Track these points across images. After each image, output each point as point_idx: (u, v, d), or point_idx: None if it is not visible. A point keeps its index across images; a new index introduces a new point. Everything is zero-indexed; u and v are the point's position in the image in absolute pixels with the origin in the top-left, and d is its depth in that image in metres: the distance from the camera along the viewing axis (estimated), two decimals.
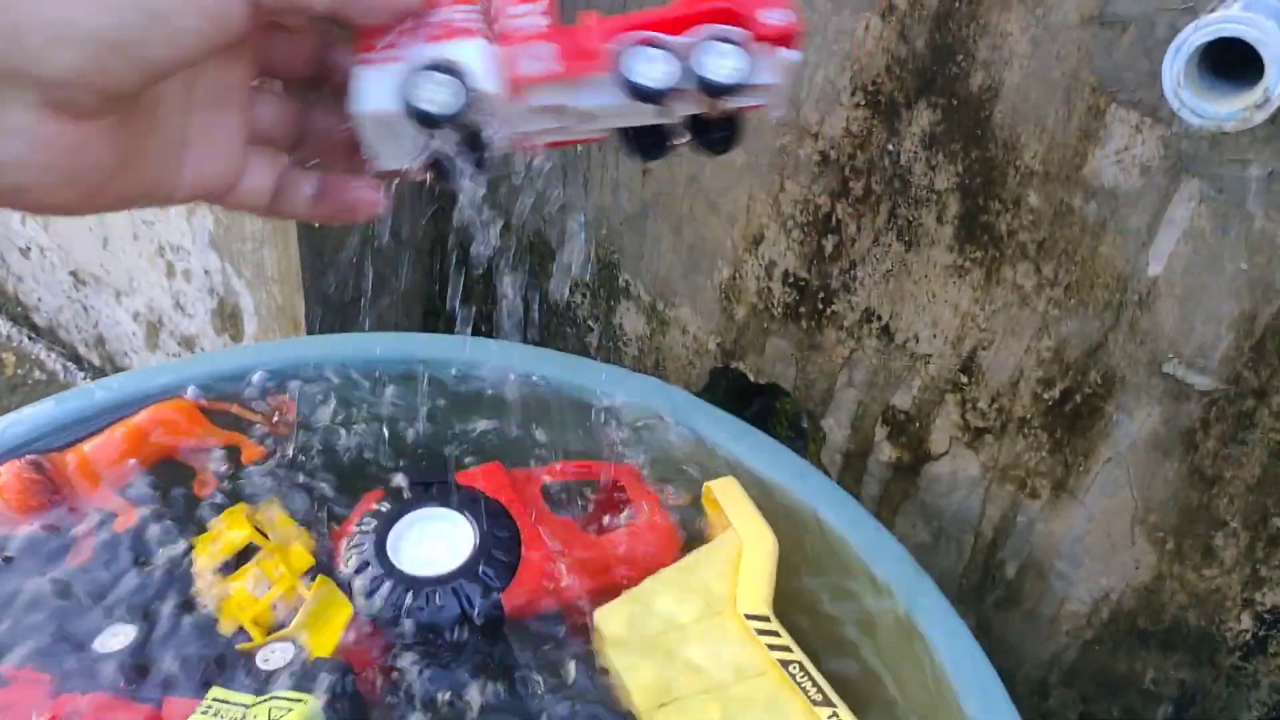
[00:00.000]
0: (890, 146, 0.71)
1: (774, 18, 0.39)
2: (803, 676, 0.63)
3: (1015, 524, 0.79)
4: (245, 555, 0.67)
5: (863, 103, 0.70)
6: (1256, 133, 0.57)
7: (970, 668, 0.63)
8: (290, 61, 0.41)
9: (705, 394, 0.93)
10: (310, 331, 0.95)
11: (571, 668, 0.66)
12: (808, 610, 0.71)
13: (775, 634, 0.64)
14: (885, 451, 0.83)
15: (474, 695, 0.64)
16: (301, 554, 0.67)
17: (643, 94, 0.39)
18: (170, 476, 0.72)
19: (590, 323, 0.97)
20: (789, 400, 0.92)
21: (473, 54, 0.38)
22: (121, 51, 0.32)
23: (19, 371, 1.29)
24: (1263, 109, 0.52)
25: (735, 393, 0.93)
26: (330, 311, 0.96)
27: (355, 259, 0.95)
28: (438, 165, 0.40)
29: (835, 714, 0.61)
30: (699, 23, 0.39)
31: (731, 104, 0.40)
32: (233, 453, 0.73)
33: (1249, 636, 0.72)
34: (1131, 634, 0.77)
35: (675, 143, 0.42)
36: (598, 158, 0.87)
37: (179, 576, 0.68)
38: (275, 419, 0.74)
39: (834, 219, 0.76)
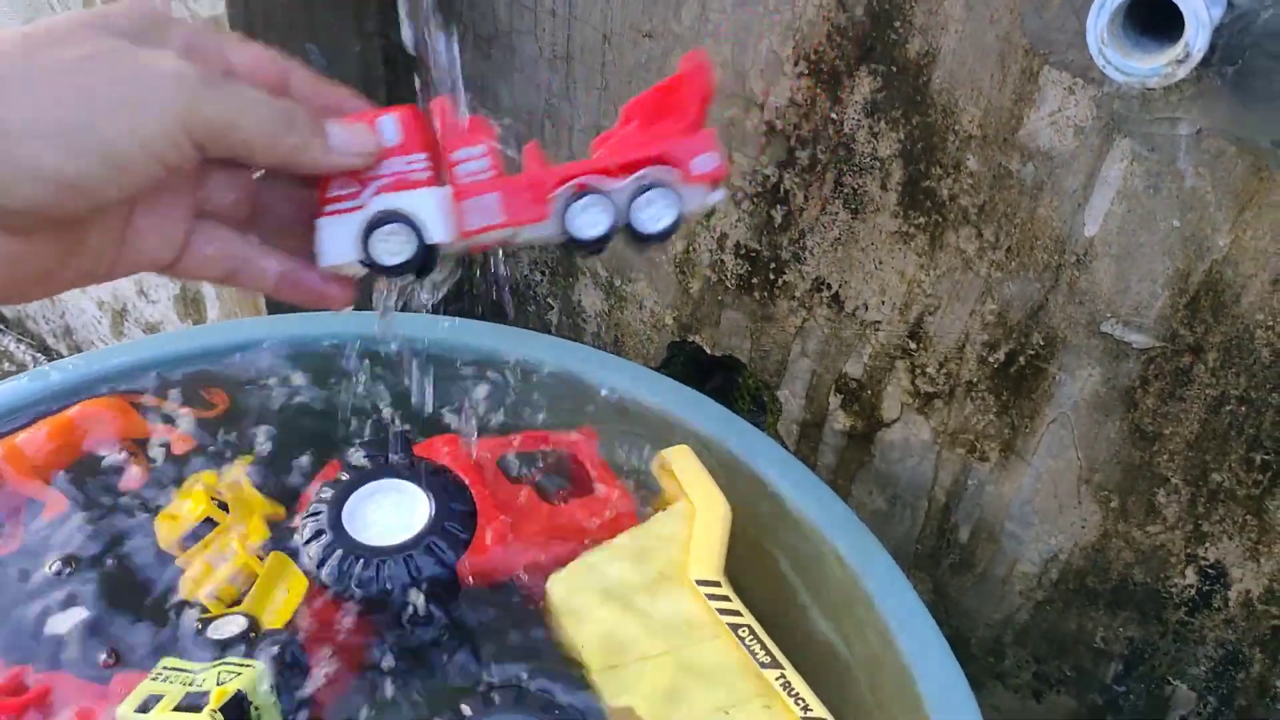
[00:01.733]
0: (834, 115, 0.71)
1: (706, 165, 0.43)
2: (752, 640, 0.64)
3: (966, 488, 0.80)
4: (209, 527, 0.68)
5: (806, 72, 0.71)
6: (1184, 89, 0.58)
7: (917, 629, 0.64)
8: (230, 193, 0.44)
9: (664, 368, 0.94)
10: (271, 313, 0.95)
11: (529, 635, 0.67)
12: (766, 575, 0.72)
13: (726, 599, 0.65)
14: (839, 420, 0.84)
15: (430, 664, 0.65)
16: (258, 527, 0.68)
17: (581, 244, 0.44)
18: (97, 469, 0.72)
19: (550, 300, 0.98)
20: (748, 374, 0.93)
21: (424, 205, 0.42)
22: (79, 191, 0.36)
23: None
24: (1184, 64, 0.53)
25: (694, 366, 0.94)
26: None
27: None
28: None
29: (783, 675, 0.62)
30: (636, 169, 0.43)
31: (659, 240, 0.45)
32: (162, 445, 0.73)
33: (1193, 592, 0.73)
34: (1080, 593, 0.78)
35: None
36: (550, 133, 0.88)
37: (128, 554, 0.68)
38: (210, 410, 0.74)
39: (782, 189, 0.77)
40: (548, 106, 0.86)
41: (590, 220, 0.44)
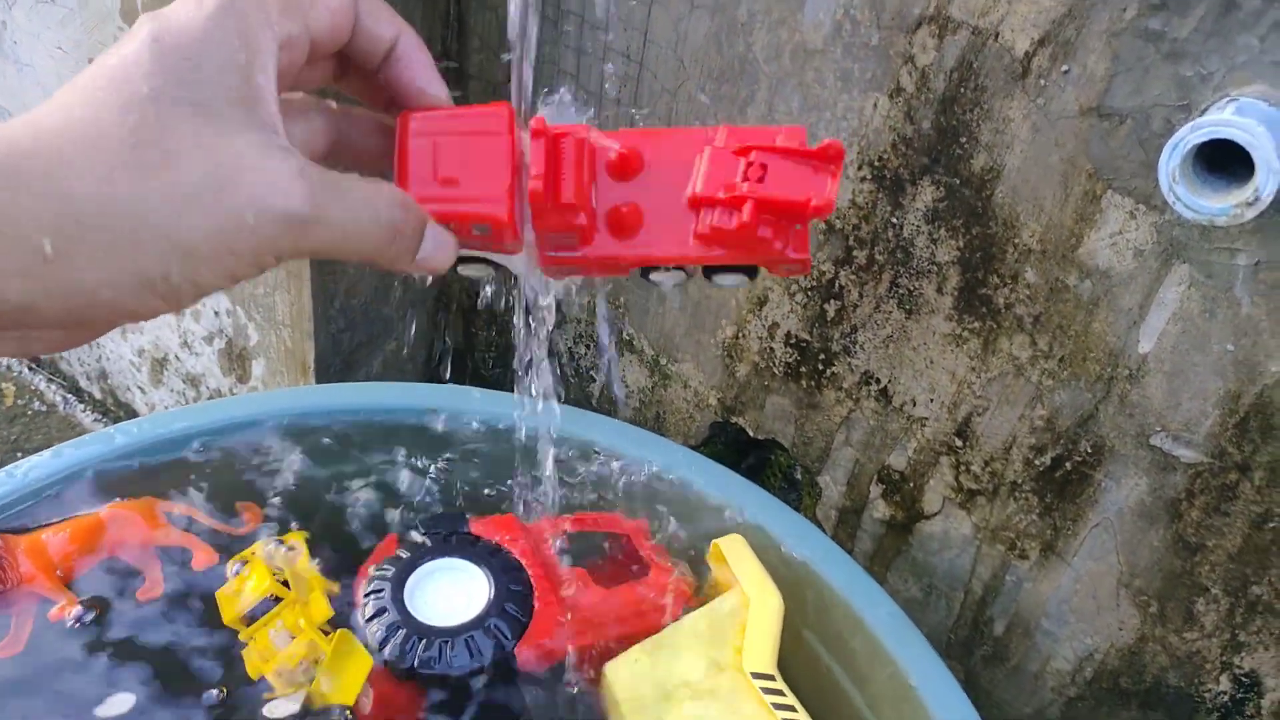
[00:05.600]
0: (894, 219, 0.74)
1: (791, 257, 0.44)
2: None
3: (1004, 583, 0.81)
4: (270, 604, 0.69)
5: (869, 177, 0.74)
6: (1244, 225, 0.60)
7: None
8: None
9: (704, 446, 0.95)
10: (319, 375, 0.97)
11: (581, 718, 0.68)
12: (808, 663, 0.74)
13: (780, 693, 0.67)
14: (879, 509, 0.86)
15: None
16: (321, 604, 0.69)
17: (653, 284, 0.46)
18: (118, 573, 0.73)
19: (593, 374, 1.00)
20: (783, 453, 0.95)
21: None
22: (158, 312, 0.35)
23: (19, 402, 1.30)
24: (1253, 207, 0.55)
25: (732, 445, 0.95)
26: (338, 355, 0.98)
27: (363, 306, 0.97)
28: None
29: None
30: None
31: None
32: (185, 555, 0.74)
33: (1227, 698, 0.74)
34: (1114, 692, 0.79)
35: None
36: None
37: (178, 634, 0.69)
38: (239, 528, 0.75)
39: (837, 285, 0.79)
40: None
41: (666, 279, 0.46)
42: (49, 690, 0.66)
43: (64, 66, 1.01)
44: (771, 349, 0.85)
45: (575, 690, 0.68)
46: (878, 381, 0.81)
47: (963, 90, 0.67)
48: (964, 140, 0.68)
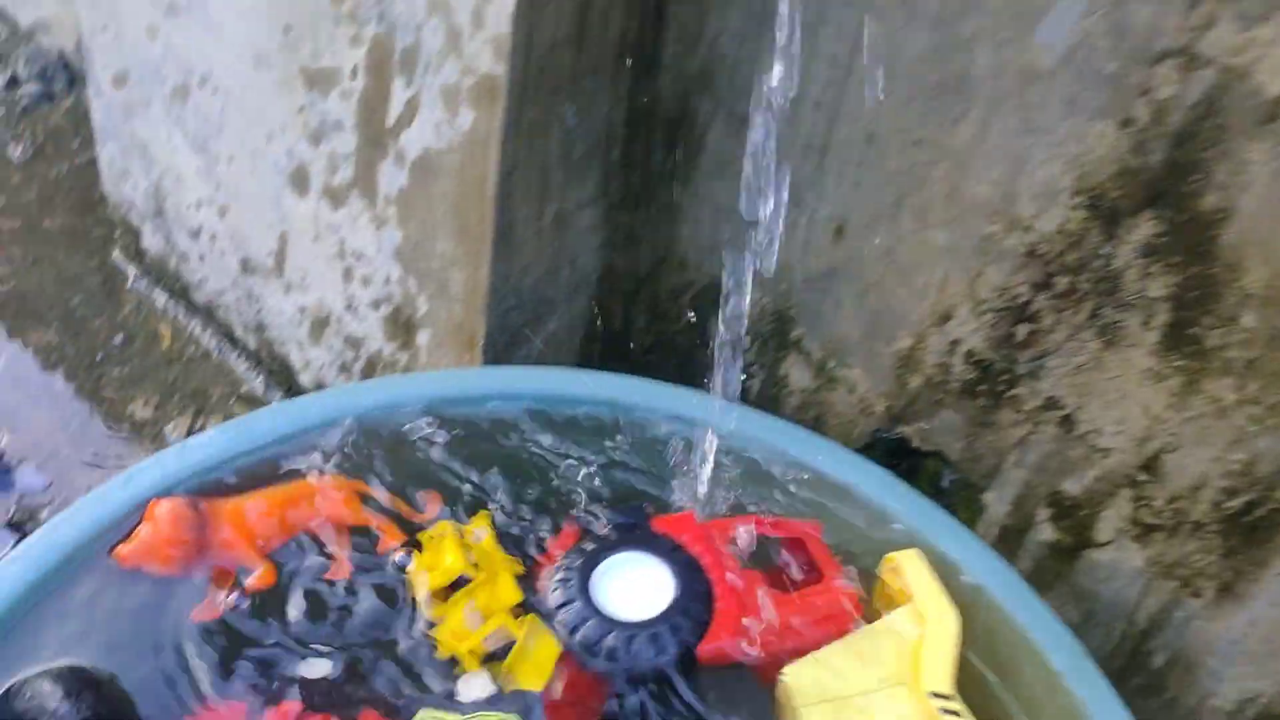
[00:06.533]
0: (1104, 250, 0.73)
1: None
2: None
3: (1172, 618, 0.81)
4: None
5: (1082, 205, 0.73)
6: None
7: None
8: None
9: (864, 451, 0.95)
10: (485, 350, 0.99)
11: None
12: (973, 686, 0.74)
13: (958, 715, 0.67)
14: (1045, 532, 0.86)
15: None
16: (511, 587, 0.71)
17: None
18: (310, 549, 0.74)
19: (755, 369, 1.00)
20: (934, 460, 0.95)
21: None
22: None
23: (175, 345, 1.34)
24: None
25: (890, 451, 0.95)
26: (505, 333, 0.99)
27: (533, 285, 0.99)
28: None
29: None
30: None
31: None
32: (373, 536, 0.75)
33: None
34: None
35: None
36: (789, 215, 0.90)
37: (370, 612, 0.71)
38: (420, 515, 0.76)
39: (1031, 309, 0.78)
40: (793, 190, 0.88)
41: None
42: (245, 656, 0.68)
43: (253, 26, 1.04)
44: (949, 364, 0.85)
45: (748, 691, 0.69)
46: (1062, 408, 0.80)
47: (1202, 127, 0.66)
48: (1196, 178, 0.67)
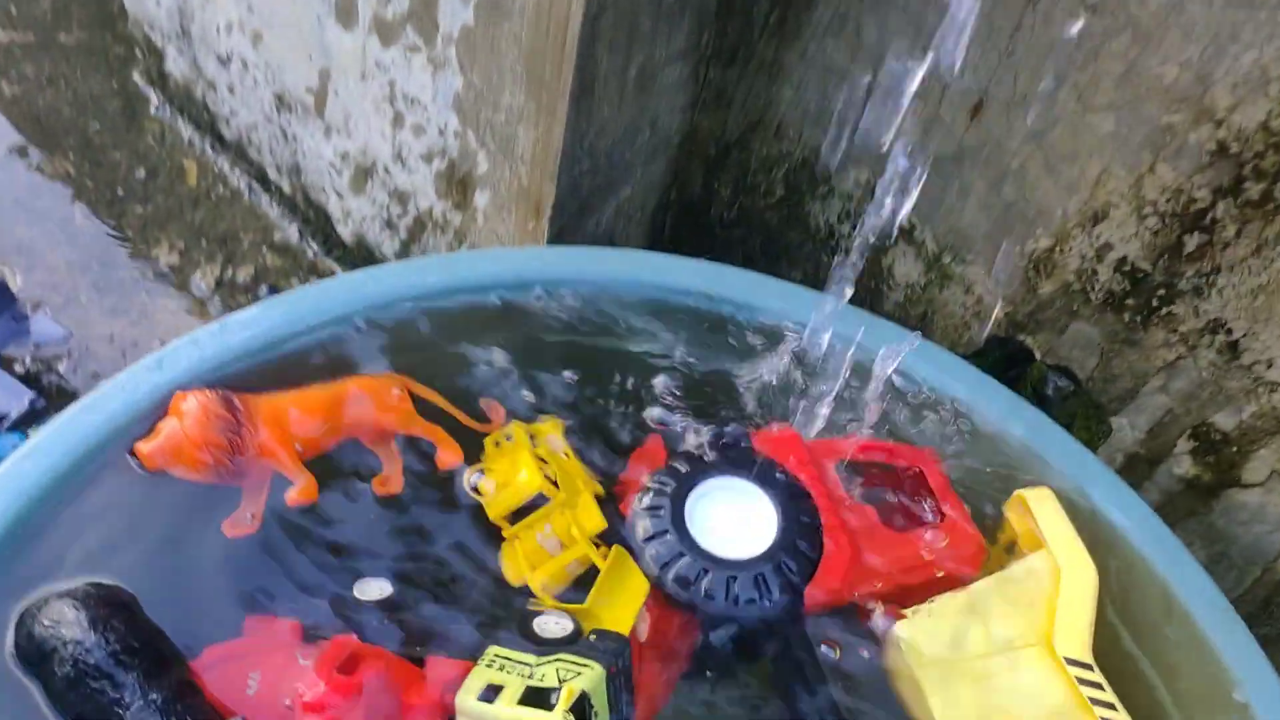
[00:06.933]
0: None
1: None
2: None
3: None
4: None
5: None
6: None
7: None
8: None
9: (975, 359, 0.85)
10: (554, 217, 0.87)
11: (866, 669, 0.61)
12: (1101, 641, 0.66)
13: (1098, 686, 0.59)
14: (1183, 465, 0.76)
15: (758, 688, 0.61)
16: (593, 511, 0.62)
17: None
18: (355, 457, 0.65)
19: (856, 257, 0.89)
20: (1040, 366, 0.85)
21: None
22: None
23: (201, 183, 1.23)
24: None
25: (1005, 361, 0.85)
26: (575, 199, 0.88)
27: (609, 148, 0.87)
28: None
29: None
30: None
31: None
32: (428, 448, 0.66)
33: None
34: None
35: None
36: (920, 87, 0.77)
37: (435, 530, 0.63)
38: (487, 425, 0.66)
39: (1210, 217, 0.67)
40: (933, 59, 0.76)
41: None
42: (288, 576, 0.60)
43: None
44: (1095, 271, 0.74)
45: (858, 638, 0.61)
46: (1229, 332, 0.69)
47: None
48: None
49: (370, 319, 0.67)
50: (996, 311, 0.81)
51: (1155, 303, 0.72)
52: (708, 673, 0.61)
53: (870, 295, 0.89)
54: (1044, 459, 0.67)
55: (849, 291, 0.66)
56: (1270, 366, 0.68)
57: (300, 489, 0.60)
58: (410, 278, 0.69)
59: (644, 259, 0.72)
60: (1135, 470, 0.79)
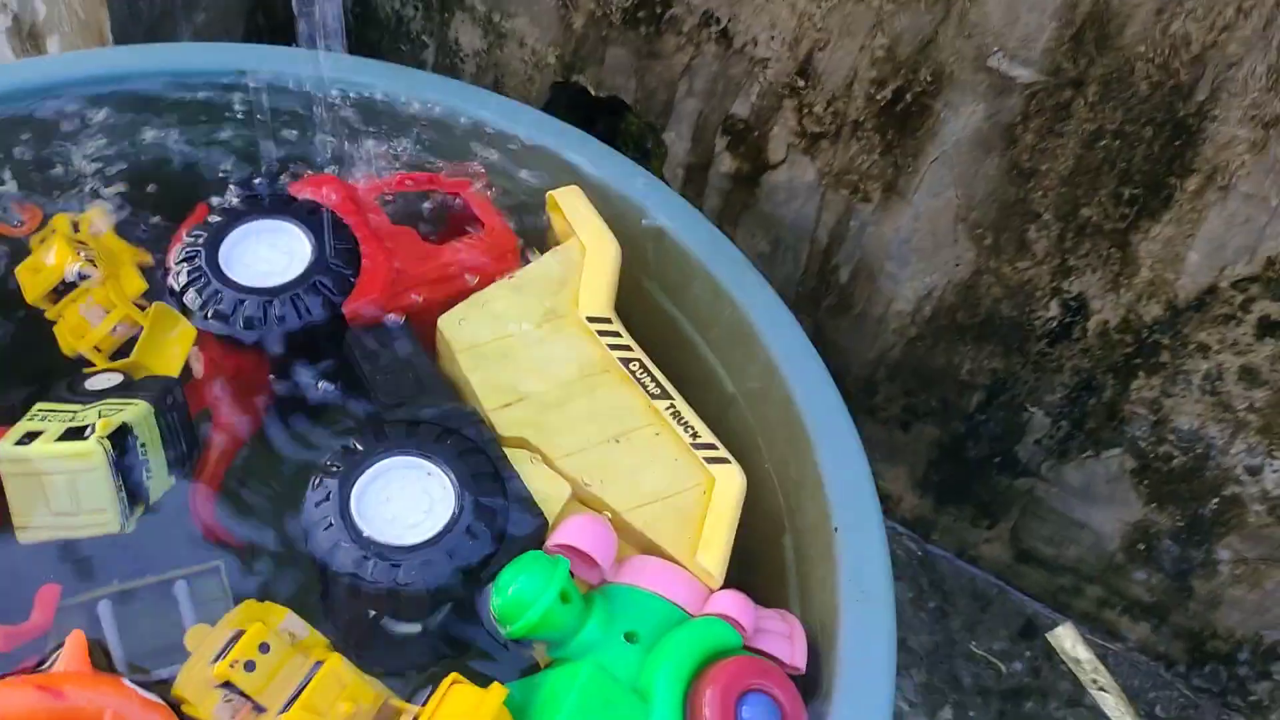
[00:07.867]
0: None
1: None
2: (642, 373, 0.65)
3: (849, 229, 0.81)
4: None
5: None
6: None
7: (801, 362, 0.67)
8: None
9: (546, 110, 0.91)
10: (120, 45, 0.88)
11: (418, 372, 0.66)
12: (649, 313, 0.73)
13: (616, 334, 0.66)
14: (725, 162, 0.84)
15: (317, 403, 0.65)
16: (133, 276, 0.65)
17: None
18: None
19: (425, 38, 0.93)
20: (634, 120, 0.91)
21: None
22: None
23: None
24: None
25: (577, 110, 0.91)
26: (138, 25, 0.89)
27: None
28: None
29: (673, 405, 0.63)
30: None
31: None
32: None
33: (1055, 324, 0.77)
34: (950, 329, 0.82)
35: None
36: None
37: None
38: (18, 228, 0.68)
39: None
40: None
41: None
42: None
43: None
44: None
45: (408, 344, 0.66)
46: (718, 21, 0.76)
47: None
48: None
49: None
50: (549, 59, 0.87)
51: (658, 9, 0.78)
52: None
53: (450, 71, 0.93)
54: (600, 182, 0.73)
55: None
56: (757, 45, 0.76)
57: None
58: None
59: (159, 50, 0.75)
60: (694, 180, 0.87)
